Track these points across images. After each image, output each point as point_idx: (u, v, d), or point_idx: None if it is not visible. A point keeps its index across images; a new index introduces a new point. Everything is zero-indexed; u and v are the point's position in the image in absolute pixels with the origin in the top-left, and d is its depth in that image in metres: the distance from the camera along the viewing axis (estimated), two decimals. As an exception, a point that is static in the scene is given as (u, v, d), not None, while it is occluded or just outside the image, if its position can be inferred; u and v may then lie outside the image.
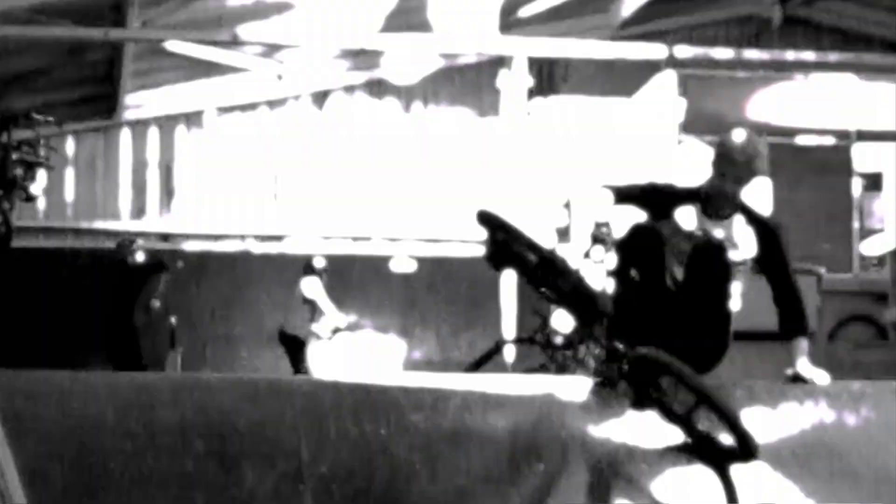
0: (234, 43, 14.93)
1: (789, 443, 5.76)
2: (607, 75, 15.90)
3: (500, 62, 16.20)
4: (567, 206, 13.99)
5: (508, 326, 14.97)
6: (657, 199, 5.55)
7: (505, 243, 5.20)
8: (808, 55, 15.93)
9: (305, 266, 14.98)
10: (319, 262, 14.92)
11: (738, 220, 5.48)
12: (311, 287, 14.51)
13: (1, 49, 14.32)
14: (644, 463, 5.28)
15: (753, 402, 5.72)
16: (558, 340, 12.79)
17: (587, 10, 16.36)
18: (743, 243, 5.48)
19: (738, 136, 5.49)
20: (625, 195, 5.59)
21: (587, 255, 7.81)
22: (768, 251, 5.54)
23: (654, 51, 14.79)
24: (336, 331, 14.76)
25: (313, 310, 14.64)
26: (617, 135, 14.92)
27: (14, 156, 13.53)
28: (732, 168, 5.38)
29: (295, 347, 14.66)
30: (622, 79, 15.30)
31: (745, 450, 4.92)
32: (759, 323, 5.79)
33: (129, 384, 6.08)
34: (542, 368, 12.60)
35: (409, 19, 15.32)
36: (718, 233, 5.51)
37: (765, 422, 5.61)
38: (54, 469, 4.73)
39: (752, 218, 5.51)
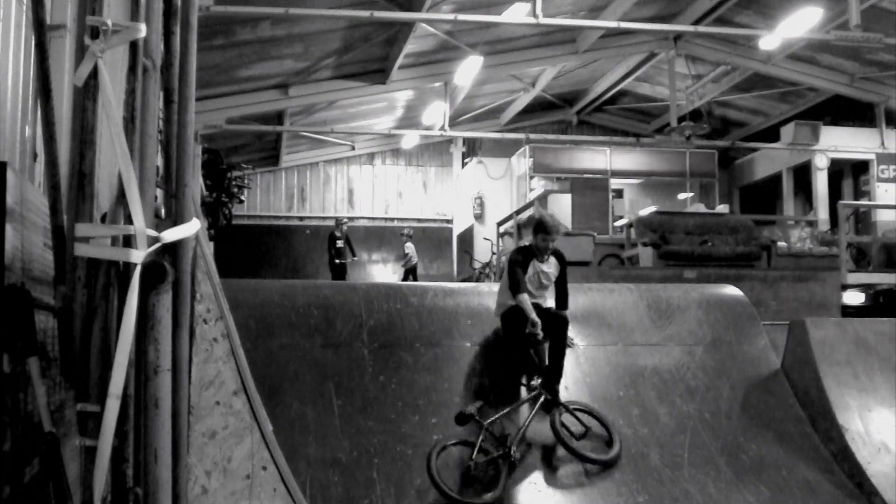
0: (331, 132, 23.95)
1: (581, 310, 8.68)
2: (498, 146, 24.51)
3: (451, 141, 26.44)
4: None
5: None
6: (523, 260, 8.07)
7: None
8: (588, 138, 25.96)
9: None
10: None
11: (551, 257, 8.17)
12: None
13: (228, 135, 21.54)
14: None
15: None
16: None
17: (488, 117, 25.96)
18: (553, 269, 8.22)
19: (549, 218, 8.10)
20: (516, 264, 7.97)
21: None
22: (562, 270, 8.28)
23: (519, 135, 23.40)
24: None
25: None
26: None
27: (233, 182, 21.67)
28: (549, 236, 8.03)
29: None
30: (506, 148, 24.31)
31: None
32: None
33: (283, 285, 9.01)
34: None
35: (413, 120, 25.33)
36: (545, 266, 8.24)
37: (573, 301, 8.45)
38: (251, 322, 7.33)
39: (556, 254, 8.23)
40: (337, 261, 23.31)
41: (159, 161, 3.40)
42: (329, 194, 28.24)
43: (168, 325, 3.02)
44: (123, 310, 2.89)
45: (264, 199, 27.85)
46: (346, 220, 24.95)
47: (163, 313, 2.99)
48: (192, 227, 3.18)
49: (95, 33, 3.03)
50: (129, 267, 2.95)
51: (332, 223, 25.65)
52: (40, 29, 3.30)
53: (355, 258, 24.01)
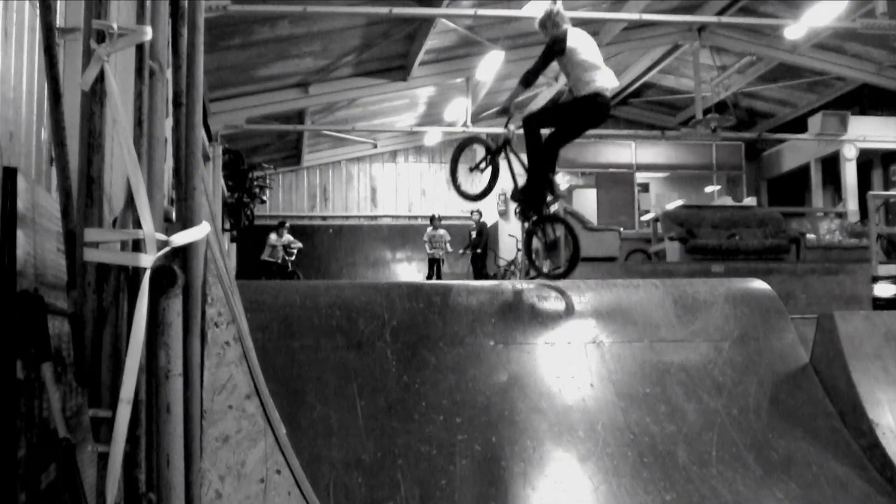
0: (353, 130, 24.22)
1: (605, 307, 8.39)
2: (522, 142, 25.65)
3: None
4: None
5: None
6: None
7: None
8: (613, 132, 24.43)
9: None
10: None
11: None
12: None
13: (249, 135, 21.71)
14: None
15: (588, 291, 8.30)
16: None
17: (512, 113, 26.96)
18: None
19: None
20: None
21: None
22: None
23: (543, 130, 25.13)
24: None
25: None
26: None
27: (255, 182, 22.85)
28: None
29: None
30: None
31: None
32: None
33: (305, 286, 9.03)
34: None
35: (435, 117, 25.40)
36: None
37: (598, 297, 8.29)
38: (273, 323, 7.19)
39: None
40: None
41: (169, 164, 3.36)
42: (352, 193, 28.28)
43: (179, 330, 2.98)
44: (133, 314, 2.85)
45: (286, 198, 27.96)
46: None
47: (173, 317, 2.94)
48: (201, 231, 3.13)
49: (101, 37, 2.99)
50: (138, 271, 2.91)
51: (355, 222, 25.61)
52: (49, 33, 3.26)
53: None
